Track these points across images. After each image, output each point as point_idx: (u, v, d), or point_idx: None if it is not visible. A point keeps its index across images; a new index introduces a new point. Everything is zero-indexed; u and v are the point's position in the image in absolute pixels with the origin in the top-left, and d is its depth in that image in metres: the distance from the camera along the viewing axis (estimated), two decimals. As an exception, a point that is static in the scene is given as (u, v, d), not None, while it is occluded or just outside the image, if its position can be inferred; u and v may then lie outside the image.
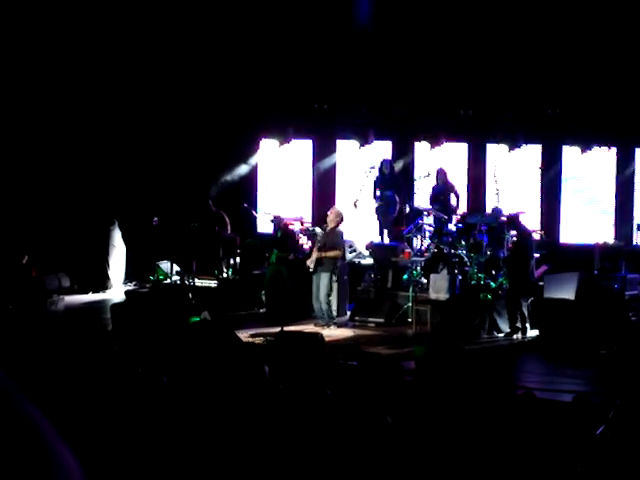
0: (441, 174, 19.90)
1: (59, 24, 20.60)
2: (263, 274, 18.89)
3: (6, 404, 1.72)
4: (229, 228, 20.27)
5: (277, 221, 18.90)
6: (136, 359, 10.38)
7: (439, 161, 20.63)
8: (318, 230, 18.71)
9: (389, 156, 21.26)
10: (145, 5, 21.08)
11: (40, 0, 20.77)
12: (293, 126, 21.79)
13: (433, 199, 19.89)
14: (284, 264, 18.05)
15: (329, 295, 17.23)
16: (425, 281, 17.96)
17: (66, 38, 20.66)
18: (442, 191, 19.88)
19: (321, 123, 21.77)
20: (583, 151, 19.68)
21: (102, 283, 20.83)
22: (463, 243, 18.06)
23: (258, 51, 20.88)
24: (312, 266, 17.12)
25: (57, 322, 17.19)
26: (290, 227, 19.38)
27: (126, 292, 19.41)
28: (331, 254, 17.13)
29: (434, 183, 20.05)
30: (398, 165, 21.13)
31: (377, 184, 20.43)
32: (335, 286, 17.49)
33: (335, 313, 17.52)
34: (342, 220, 17.46)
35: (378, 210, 20.51)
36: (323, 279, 17.12)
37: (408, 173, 21.34)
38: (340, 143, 22.10)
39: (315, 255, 17.12)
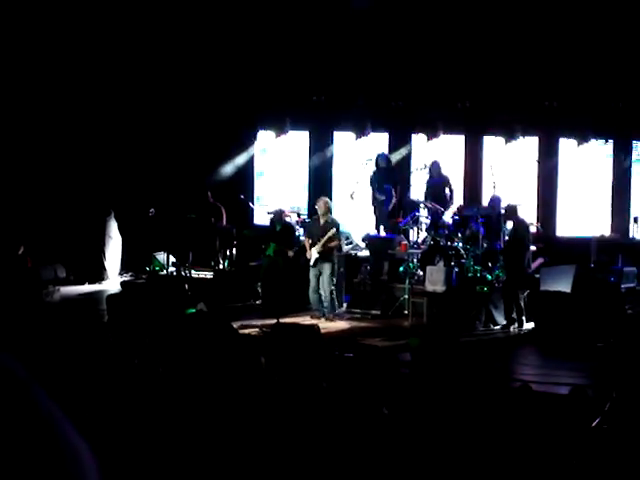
0: (435, 166, 19.88)
1: (58, 20, 20.56)
2: (259, 266, 18.86)
3: (23, 397, 1.72)
4: (225, 220, 20.23)
5: (277, 214, 18.82)
6: (132, 350, 10.37)
7: (436, 153, 20.61)
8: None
9: (386, 148, 21.25)
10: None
11: (40, 0, 20.74)
12: (290, 117, 21.78)
13: (428, 191, 19.88)
14: (282, 257, 18.01)
15: (332, 285, 17.19)
16: (421, 273, 17.93)
17: (61, 31, 20.62)
18: (436, 183, 19.86)
19: (318, 114, 21.74)
20: (580, 143, 19.66)
21: (98, 274, 20.78)
22: (460, 235, 18.04)
23: (255, 42, 20.84)
24: (313, 261, 17.09)
25: (53, 313, 17.15)
26: (287, 220, 19.31)
27: (122, 283, 19.36)
28: (333, 244, 17.12)
29: (428, 176, 20.03)
30: (395, 157, 21.10)
31: (373, 178, 20.41)
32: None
33: (336, 303, 17.47)
34: (330, 208, 17.46)
35: (374, 203, 20.51)
36: (326, 270, 17.08)
37: (405, 165, 21.30)
38: (337, 135, 22.08)
39: (317, 249, 17.05)
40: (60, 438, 1.67)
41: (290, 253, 18.03)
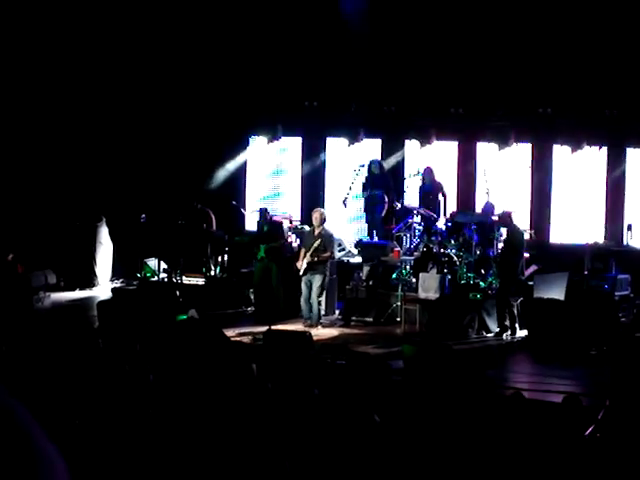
0: (428, 173, 19.86)
1: (54, 25, 20.53)
2: (251, 272, 18.79)
3: None
4: (214, 225, 20.15)
5: (262, 214, 18.75)
6: (123, 357, 10.32)
7: (429, 159, 20.58)
8: (307, 228, 18.61)
9: (378, 154, 21.20)
10: (136, 4, 21.00)
11: (40, 0, 20.68)
12: (282, 123, 21.73)
13: (422, 198, 19.87)
14: (274, 259, 17.87)
15: (320, 296, 17.12)
16: (414, 280, 17.88)
17: (54, 37, 20.58)
18: (429, 190, 19.84)
19: (310, 120, 21.70)
20: (574, 150, 19.63)
21: (89, 280, 20.71)
22: (452, 242, 18.00)
23: (247, 48, 20.81)
24: (302, 270, 17.02)
25: (43, 319, 17.10)
26: (275, 218, 19.15)
27: (113, 289, 19.30)
28: (324, 255, 17.05)
29: (421, 182, 20.02)
30: (388, 163, 21.05)
31: (366, 184, 20.37)
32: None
33: (324, 313, 17.41)
34: (325, 219, 17.41)
35: (366, 209, 20.50)
36: (316, 281, 17.01)
37: (398, 171, 21.25)
38: (329, 141, 22.01)
39: (306, 259, 16.99)
40: (29, 441, 1.63)
41: (281, 243, 18.00)
